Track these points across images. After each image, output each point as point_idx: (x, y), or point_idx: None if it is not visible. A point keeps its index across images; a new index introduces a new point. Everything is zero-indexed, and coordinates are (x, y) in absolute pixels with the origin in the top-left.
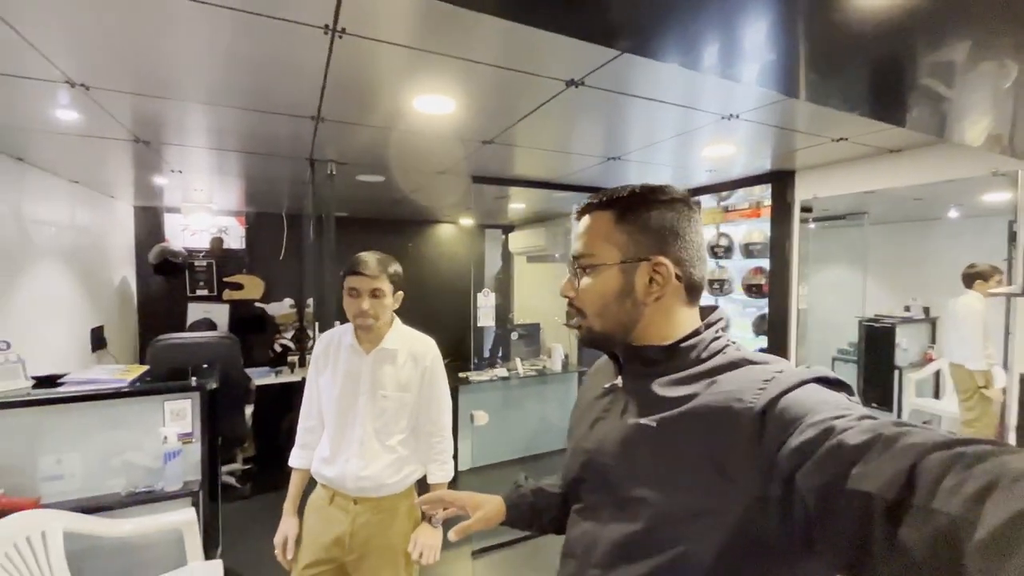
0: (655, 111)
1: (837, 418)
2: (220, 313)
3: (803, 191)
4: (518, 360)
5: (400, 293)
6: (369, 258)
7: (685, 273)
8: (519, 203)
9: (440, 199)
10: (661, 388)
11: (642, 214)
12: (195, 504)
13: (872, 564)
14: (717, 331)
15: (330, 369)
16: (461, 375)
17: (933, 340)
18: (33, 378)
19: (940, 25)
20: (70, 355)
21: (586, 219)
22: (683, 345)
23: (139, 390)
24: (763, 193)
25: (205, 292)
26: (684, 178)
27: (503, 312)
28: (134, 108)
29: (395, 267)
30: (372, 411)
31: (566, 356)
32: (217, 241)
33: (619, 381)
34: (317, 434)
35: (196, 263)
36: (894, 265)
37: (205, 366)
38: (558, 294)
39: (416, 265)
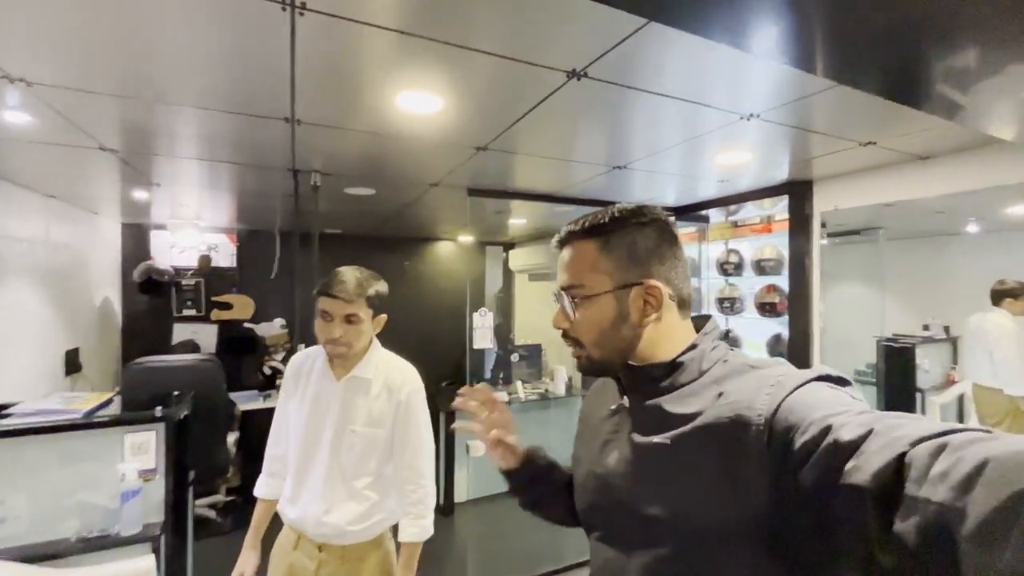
0: (664, 108)
1: (836, 415)
2: (208, 334)
3: (823, 202)
4: (519, 383)
5: (382, 316)
6: (346, 277)
7: (676, 291)
8: (520, 218)
9: (436, 214)
10: (669, 404)
11: (626, 238)
12: (156, 549)
13: (877, 559)
14: (714, 340)
15: (299, 394)
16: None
17: (955, 361)
18: None
19: None
20: (41, 380)
21: (569, 249)
22: (684, 359)
23: (94, 422)
24: (775, 207)
25: (192, 312)
26: (692, 190)
27: (504, 333)
28: (87, 108)
29: (377, 287)
30: (339, 447)
31: (569, 378)
32: (205, 259)
33: (625, 401)
34: (285, 463)
35: (183, 282)
36: (911, 282)
37: (176, 393)
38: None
39: (413, 285)
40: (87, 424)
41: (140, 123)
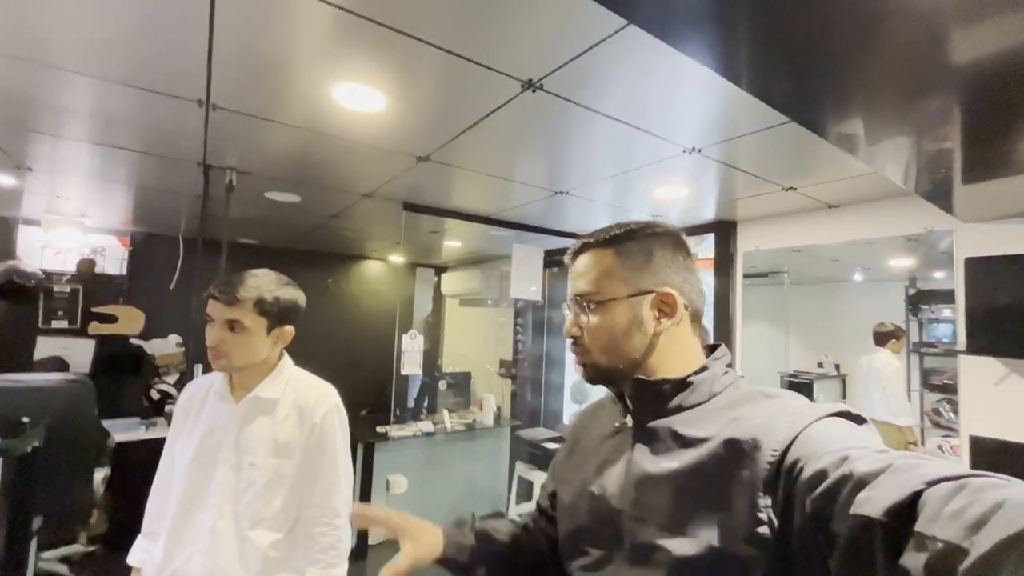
0: (616, 134)
1: (853, 448)
2: (82, 350)
3: (745, 242)
4: (446, 412)
5: (287, 329)
6: (236, 278)
7: (690, 302)
8: (455, 240)
9: (366, 229)
10: (680, 426)
11: (643, 247)
12: None
13: None
14: (724, 366)
15: (189, 426)
16: (380, 429)
17: (844, 395)
18: None
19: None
20: None
21: (586, 257)
22: (695, 379)
23: None
24: (697, 246)
25: (64, 324)
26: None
27: (431, 359)
28: None
29: (277, 293)
30: (234, 486)
31: (498, 408)
32: (87, 263)
33: (628, 421)
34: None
35: (55, 288)
36: (808, 323)
37: (25, 420)
38: (491, 340)
39: (336, 304)
40: None
41: (13, 87)
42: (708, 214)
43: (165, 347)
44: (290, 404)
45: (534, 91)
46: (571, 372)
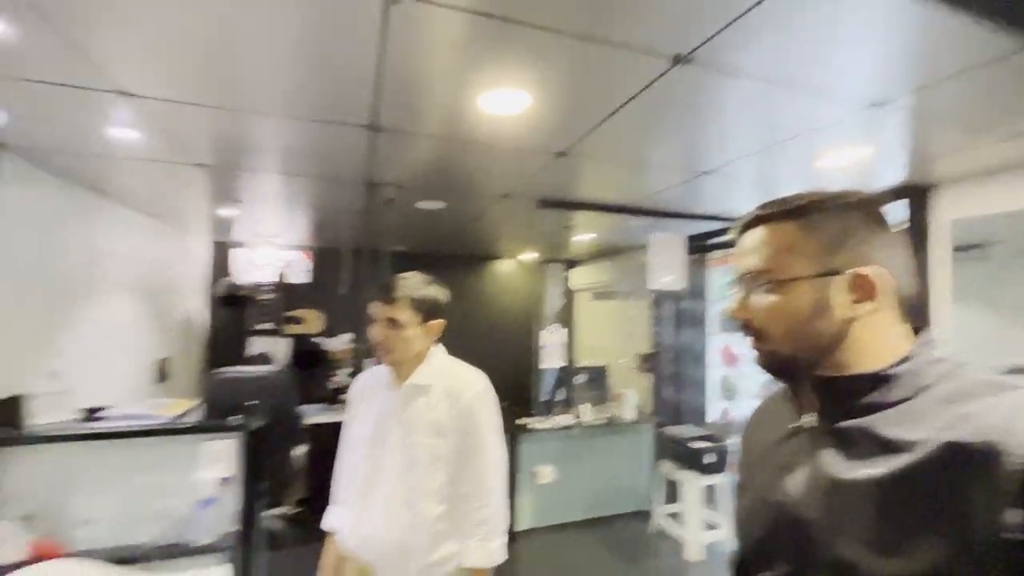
0: (773, 100)
1: None
2: (281, 347)
3: (948, 208)
4: (585, 407)
5: (437, 322)
6: (393, 281)
7: (894, 284)
8: (587, 233)
9: (500, 229)
10: (882, 427)
11: (833, 220)
12: (233, 560)
13: None
14: (933, 352)
15: (362, 412)
16: (519, 422)
17: None
18: (83, 410)
19: None
20: (135, 386)
21: (760, 231)
22: (896, 371)
23: (175, 428)
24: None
25: (268, 325)
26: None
27: (564, 353)
28: (186, 121)
29: (425, 292)
30: (401, 462)
31: (639, 404)
32: (281, 275)
33: (811, 420)
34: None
35: (261, 297)
36: None
37: (252, 403)
38: (624, 334)
39: (474, 303)
40: (168, 430)
41: (227, 135)
42: (891, 178)
43: (339, 344)
44: (441, 389)
45: (683, 65)
46: (716, 366)
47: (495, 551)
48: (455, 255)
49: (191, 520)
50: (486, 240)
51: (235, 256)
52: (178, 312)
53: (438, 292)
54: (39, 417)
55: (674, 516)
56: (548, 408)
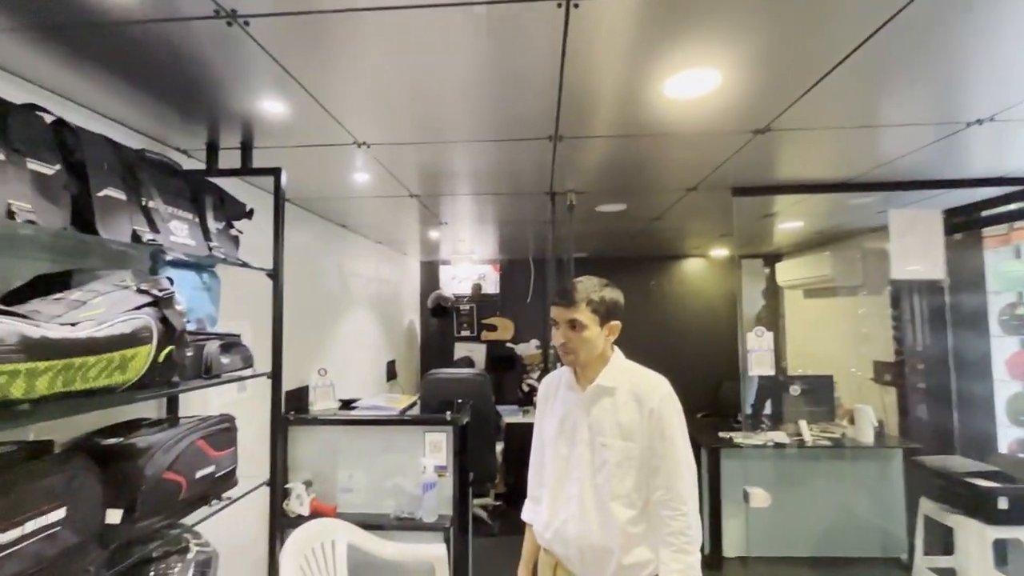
0: None
1: None
2: (479, 352)
3: None
4: (803, 423)
5: (615, 323)
6: (571, 285)
7: None
8: (794, 221)
9: (687, 226)
10: None
11: None
12: (447, 540)
13: None
14: None
15: (550, 412)
16: (722, 435)
17: None
18: (339, 400)
19: None
20: (371, 383)
21: None
22: None
23: (404, 419)
24: None
25: (467, 333)
26: None
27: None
28: (402, 159)
29: (602, 294)
30: (590, 462)
31: (879, 423)
32: (477, 287)
33: None
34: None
35: (461, 307)
36: None
37: (459, 401)
38: (852, 337)
39: (659, 306)
40: (401, 420)
41: (431, 166)
42: None
43: (528, 349)
44: (627, 391)
45: None
46: (1005, 380)
47: (692, 566)
48: (637, 257)
49: (418, 500)
50: (670, 239)
51: (441, 272)
52: (401, 321)
53: (614, 293)
54: (315, 405)
55: (945, 573)
56: (755, 422)
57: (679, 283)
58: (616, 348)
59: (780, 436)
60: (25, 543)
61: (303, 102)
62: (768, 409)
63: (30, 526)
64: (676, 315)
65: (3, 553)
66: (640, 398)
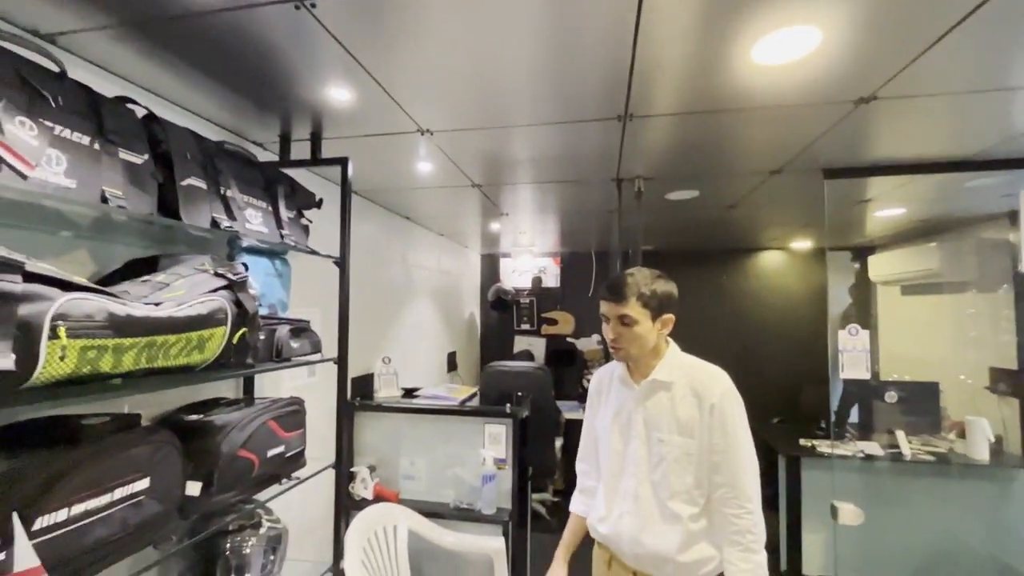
0: None
1: None
2: (539, 346)
3: None
4: (900, 434)
5: (667, 316)
6: (620, 279)
7: None
8: (894, 207)
9: (768, 214)
10: None
11: None
12: (505, 533)
13: None
14: None
15: (603, 407)
16: (804, 442)
17: None
18: (403, 388)
19: None
20: (432, 374)
21: None
22: None
23: (465, 410)
24: None
25: (527, 326)
26: None
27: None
28: (464, 146)
29: (653, 287)
30: (647, 458)
31: (997, 439)
32: (537, 280)
33: None
34: (593, 478)
35: (521, 300)
36: None
37: (520, 394)
38: (960, 340)
39: (732, 303)
40: (461, 411)
41: (493, 153)
42: None
43: (589, 344)
44: (684, 386)
45: None
46: None
47: (760, 565)
48: (708, 251)
49: (477, 491)
50: (746, 229)
51: (502, 265)
52: (461, 314)
53: (667, 286)
54: (380, 392)
55: None
56: (839, 431)
57: (755, 278)
58: (671, 341)
59: (872, 447)
60: (114, 509)
61: (369, 89)
62: (855, 417)
63: (118, 493)
64: (751, 313)
65: (95, 517)
66: (700, 393)
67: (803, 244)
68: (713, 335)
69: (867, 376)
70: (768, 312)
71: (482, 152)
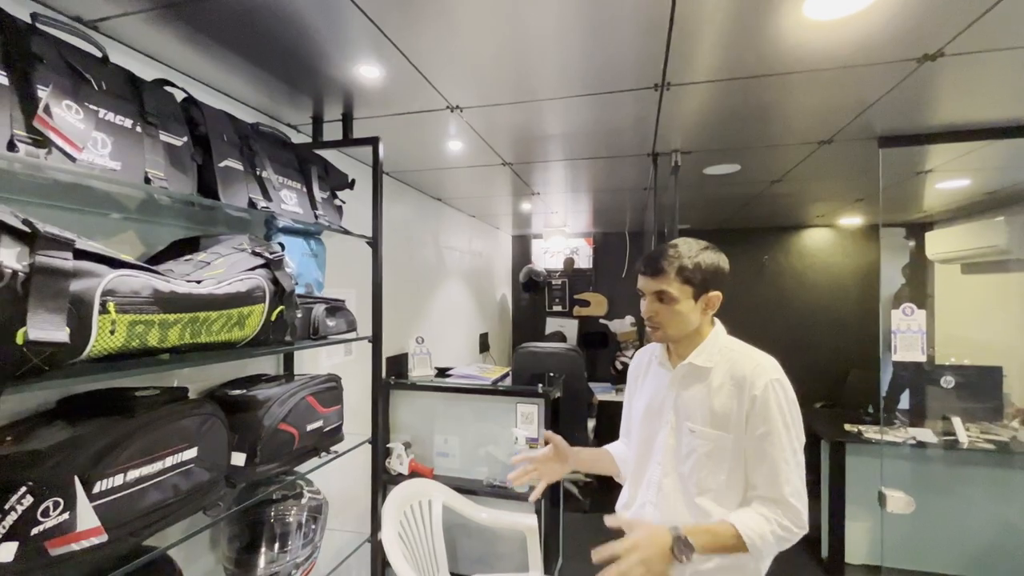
0: None
1: None
2: (571, 328)
3: None
4: (956, 421)
5: (714, 295)
6: (660, 250)
7: None
8: (958, 178)
9: (814, 188)
10: None
11: None
12: (538, 512)
13: None
14: None
15: (639, 387)
16: (849, 428)
17: None
18: (436, 368)
19: None
20: (464, 353)
21: None
22: None
23: (497, 389)
24: None
25: (559, 308)
26: None
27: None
28: (494, 123)
29: (698, 259)
30: (675, 448)
31: None
32: (569, 261)
33: None
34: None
35: (553, 282)
36: None
37: (552, 374)
38: None
39: (774, 284)
40: (494, 390)
41: (524, 128)
42: None
43: (622, 326)
44: (724, 373)
45: None
46: None
47: (768, 543)
48: (748, 229)
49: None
50: (790, 206)
51: (533, 246)
52: (493, 295)
53: (714, 258)
54: (413, 371)
55: None
56: (890, 416)
57: (798, 258)
58: (717, 322)
59: (924, 434)
60: (166, 475)
61: (398, 65)
62: (905, 403)
63: (169, 460)
64: (794, 295)
65: (149, 482)
66: (741, 382)
67: (852, 221)
68: (753, 318)
69: (922, 359)
70: (813, 294)
71: (513, 128)
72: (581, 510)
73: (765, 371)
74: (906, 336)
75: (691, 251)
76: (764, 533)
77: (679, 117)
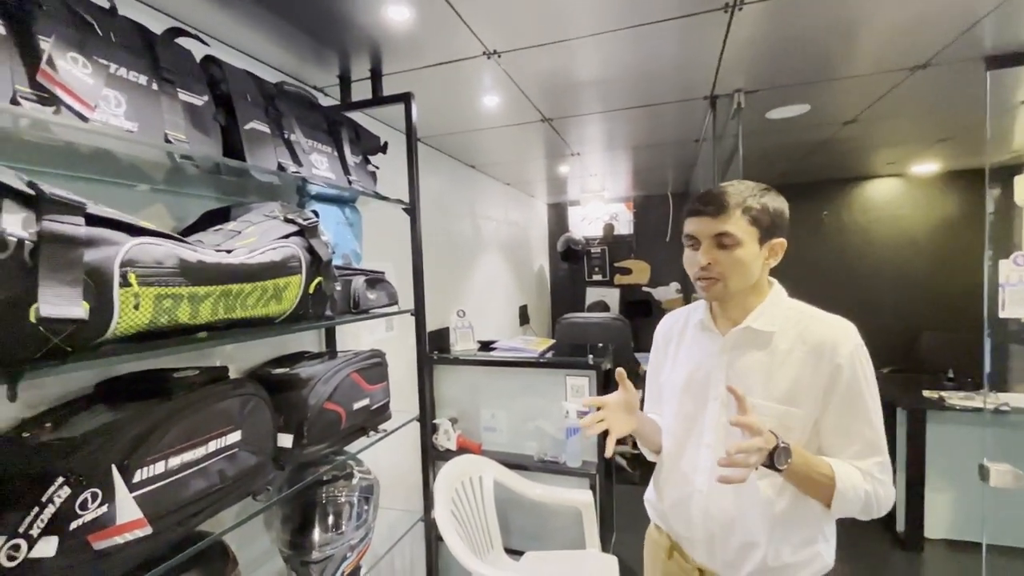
0: None
1: None
2: (612, 297)
3: None
4: None
5: (778, 241)
6: (717, 188)
7: None
8: None
9: (894, 128)
10: None
11: None
12: (592, 487)
13: None
14: None
15: (671, 356)
16: (927, 394)
17: None
18: (478, 342)
19: None
20: (504, 326)
21: None
22: None
23: (546, 361)
24: None
25: (599, 277)
26: None
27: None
28: (533, 69)
29: (764, 200)
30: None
31: None
32: (608, 228)
33: None
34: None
35: (592, 250)
36: None
37: (600, 345)
38: None
39: (835, 241)
40: (541, 363)
41: (564, 75)
42: None
43: (667, 293)
44: (793, 339)
45: None
46: None
47: (868, 496)
48: (805, 183)
49: (561, 444)
50: (858, 152)
51: (570, 214)
52: (531, 266)
53: (778, 201)
54: (456, 345)
55: None
56: (959, 383)
57: (861, 212)
58: (775, 281)
59: (1018, 399)
60: (210, 461)
61: (430, 2)
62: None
63: (212, 445)
64: (857, 252)
65: (193, 469)
66: (819, 349)
67: (927, 167)
68: (811, 278)
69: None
70: (878, 250)
71: (553, 75)
72: (631, 482)
73: (848, 336)
74: (1017, 289)
75: (753, 191)
76: (857, 485)
77: (749, 47)
